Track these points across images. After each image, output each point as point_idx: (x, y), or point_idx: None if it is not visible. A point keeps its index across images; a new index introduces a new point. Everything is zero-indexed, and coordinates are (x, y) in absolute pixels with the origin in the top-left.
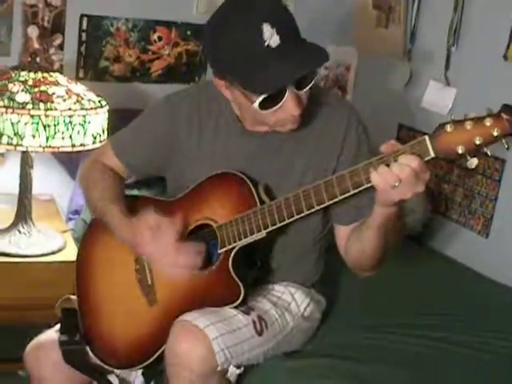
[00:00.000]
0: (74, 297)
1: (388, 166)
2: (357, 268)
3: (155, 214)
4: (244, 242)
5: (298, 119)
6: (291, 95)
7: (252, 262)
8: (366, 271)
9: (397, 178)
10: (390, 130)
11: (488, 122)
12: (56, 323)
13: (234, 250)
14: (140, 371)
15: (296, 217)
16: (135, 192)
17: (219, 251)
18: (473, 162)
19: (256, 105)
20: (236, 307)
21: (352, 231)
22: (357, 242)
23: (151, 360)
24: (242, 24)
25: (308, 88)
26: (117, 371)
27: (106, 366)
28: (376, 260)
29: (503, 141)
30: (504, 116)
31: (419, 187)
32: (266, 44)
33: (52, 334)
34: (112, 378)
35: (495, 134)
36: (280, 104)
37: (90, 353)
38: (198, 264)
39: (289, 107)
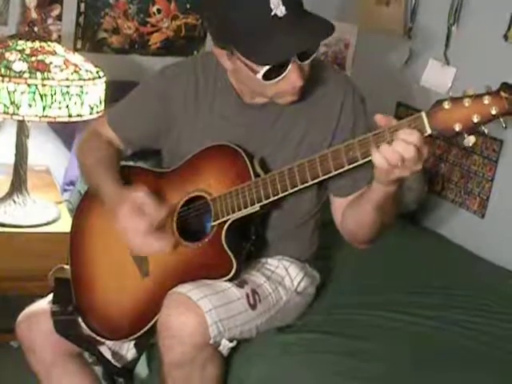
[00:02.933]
0: (67, 267)
1: (387, 143)
2: (352, 240)
3: (145, 192)
4: (237, 215)
5: (298, 91)
6: (294, 66)
7: (246, 236)
8: (362, 244)
9: (401, 157)
10: (389, 108)
11: (486, 100)
12: (48, 293)
13: (228, 223)
14: (132, 344)
15: (290, 191)
16: (131, 164)
17: (212, 224)
18: (470, 140)
19: (259, 75)
20: (230, 280)
21: (349, 205)
22: (354, 216)
23: (142, 331)
24: None
25: (311, 59)
26: (109, 343)
27: (98, 338)
28: (372, 234)
29: (501, 119)
30: (503, 94)
31: (419, 165)
32: (272, 13)
33: (43, 304)
34: (104, 349)
35: (493, 112)
36: (283, 75)
37: (82, 324)
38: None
39: (292, 78)
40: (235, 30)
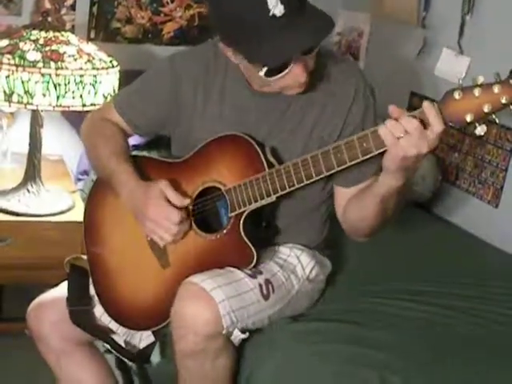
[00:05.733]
0: (84, 257)
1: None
2: (352, 233)
3: (168, 184)
4: (254, 206)
5: (304, 84)
6: (297, 62)
7: (259, 224)
8: (361, 237)
9: (402, 128)
10: (402, 98)
11: (496, 89)
12: (61, 282)
13: (244, 214)
14: (145, 334)
15: (306, 182)
16: (144, 154)
17: (229, 215)
18: (482, 129)
19: (262, 73)
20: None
21: (352, 198)
22: (357, 209)
23: (166, 322)
24: None
25: (314, 53)
26: (121, 332)
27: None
28: (373, 228)
29: (511, 107)
30: None
31: (423, 146)
32: (270, 14)
33: (52, 294)
34: (117, 338)
35: (503, 101)
36: (286, 71)
37: (96, 314)
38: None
39: (295, 74)
40: (235, 32)
